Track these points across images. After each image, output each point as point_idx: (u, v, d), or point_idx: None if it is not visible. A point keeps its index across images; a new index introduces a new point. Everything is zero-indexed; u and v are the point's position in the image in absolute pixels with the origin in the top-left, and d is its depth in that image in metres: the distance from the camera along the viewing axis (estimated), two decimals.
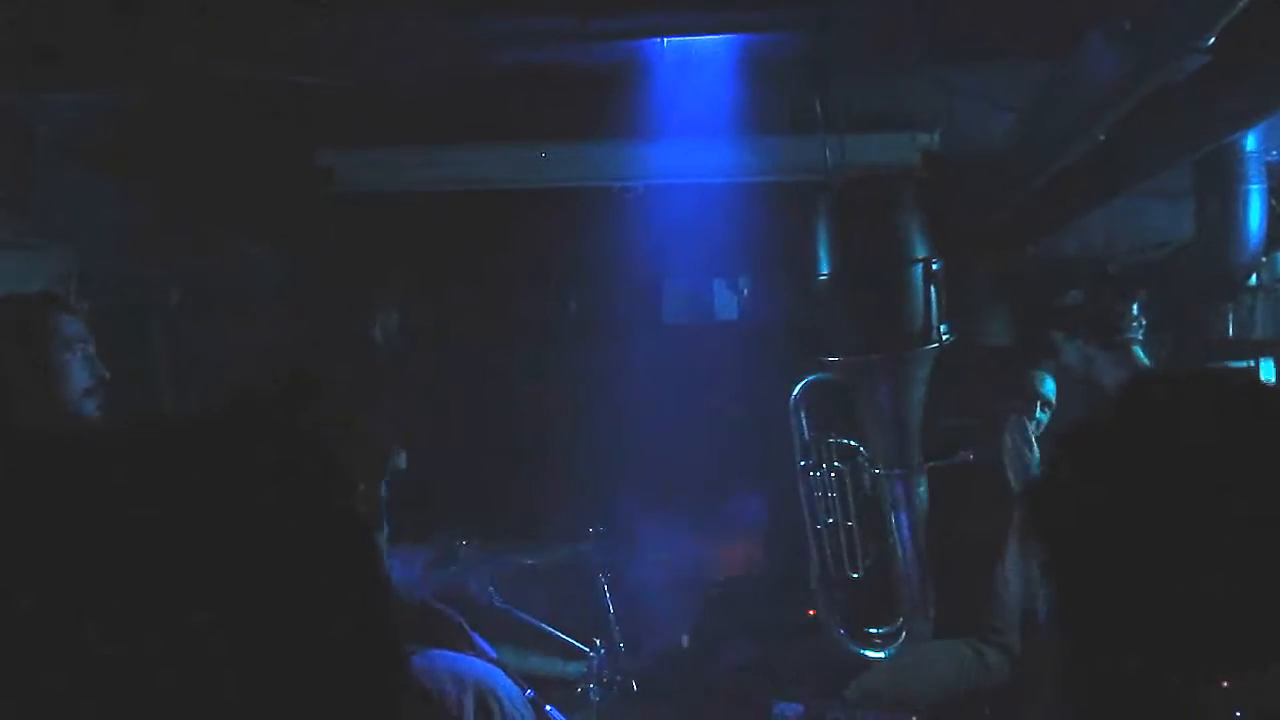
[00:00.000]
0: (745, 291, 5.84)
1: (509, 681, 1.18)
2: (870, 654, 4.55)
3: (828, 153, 4.36)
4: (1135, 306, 4.29)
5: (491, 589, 4.15)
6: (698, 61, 3.85)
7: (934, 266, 4.11)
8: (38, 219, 3.53)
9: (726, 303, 5.91)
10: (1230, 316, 5.17)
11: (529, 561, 4.44)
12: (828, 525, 4.59)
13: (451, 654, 1.13)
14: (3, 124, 3.36)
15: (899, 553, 4.43)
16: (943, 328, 4.16)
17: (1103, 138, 3.89)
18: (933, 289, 4.12)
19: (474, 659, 1.14)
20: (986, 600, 4.27)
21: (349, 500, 0.79)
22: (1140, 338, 4.30)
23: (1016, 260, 5.45)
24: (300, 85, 3.79)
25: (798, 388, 4.57)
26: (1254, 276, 5.11)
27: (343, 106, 4.29)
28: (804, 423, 4.56)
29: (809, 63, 3.90)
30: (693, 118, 4.21)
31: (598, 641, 4.30)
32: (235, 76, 3.76)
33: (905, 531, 4.38)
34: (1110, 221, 5.21)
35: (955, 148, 4.81)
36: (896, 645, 4.53)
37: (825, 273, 4.20)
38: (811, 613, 4.75)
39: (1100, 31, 3.26)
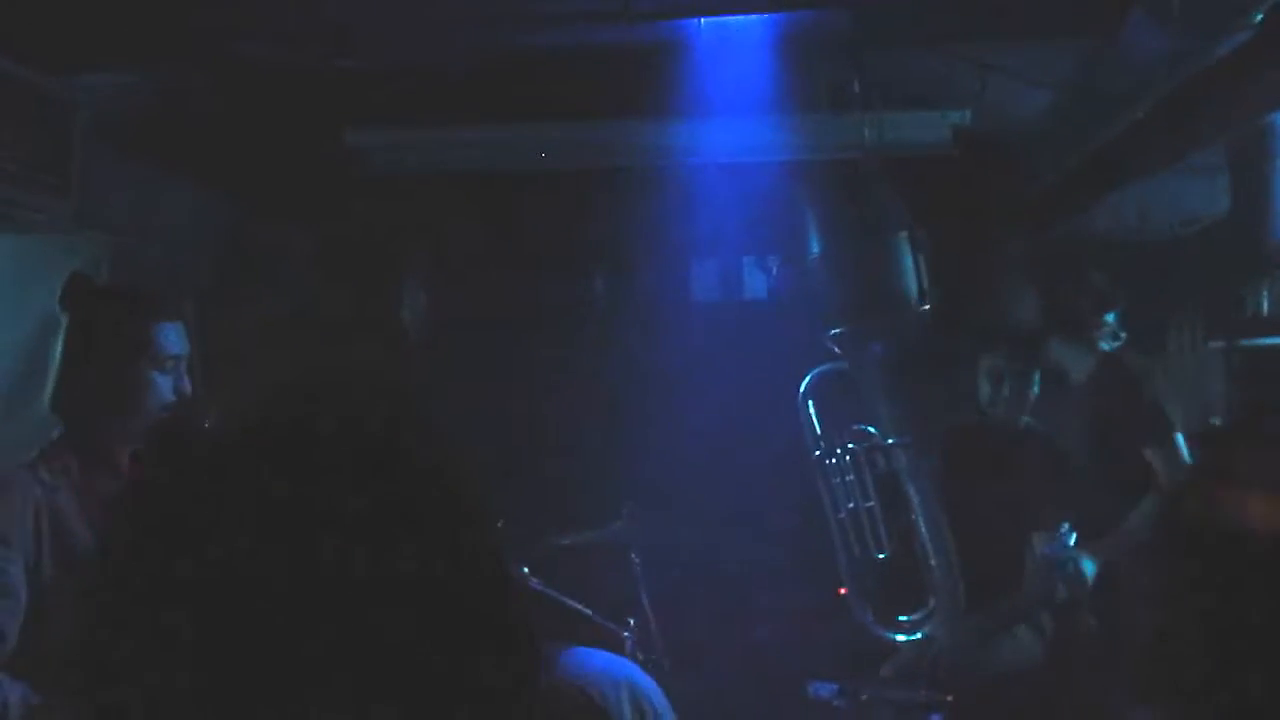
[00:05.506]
0: (775, 270, 5.82)
1: (649, 678, 1.17)
2: (901, 638, 4.55)
3: (866, 131, 4.35)
4: (1113, 316, 4.26)
5: (525, 570, 4.15)
6: (733, 40, 3.82)
7: (916, 236, 4.27)
8: (75, 203, 3.51)
9: (756, 281, 5.89)
10: (1266, 293, 5.12)
11: (563, 541, 4.43)
12: (849, 510, 4.59)
13: (596, 651, 1.12)
14: (42, 108, 3.34)
15: (920, 527, 4.43)
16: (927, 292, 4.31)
17: (1141, 115, 3.86)
18: (918, 258, 4.27)
19: (616, 656, 1.13)
20: (1013, 577, 4.28)
21: (473, 492, 0.79)
22: (1112, 346, 4.25)
23: (1047, 240, 5.41)
24: (335, 67, 3.78)
25: (805, 381, 4.59)
26: None
27: (376, 88, 4.27)
28: (814, 415, 4.58)
29: (845, 41, 3.87)
30: (726, 96, 4.18)
31: (631, 621, 4.30)
32: (270, 58, 3.75)
33: (922, 502, 4.38)
34: (1143, 197, 5.16)
35: (987, 125, 4.78)
36: (927, 628, 4.52)
37: (816, 252, 4.32)
38: (843, 590, 4.74)
39: (1144, 8, 3.23)
